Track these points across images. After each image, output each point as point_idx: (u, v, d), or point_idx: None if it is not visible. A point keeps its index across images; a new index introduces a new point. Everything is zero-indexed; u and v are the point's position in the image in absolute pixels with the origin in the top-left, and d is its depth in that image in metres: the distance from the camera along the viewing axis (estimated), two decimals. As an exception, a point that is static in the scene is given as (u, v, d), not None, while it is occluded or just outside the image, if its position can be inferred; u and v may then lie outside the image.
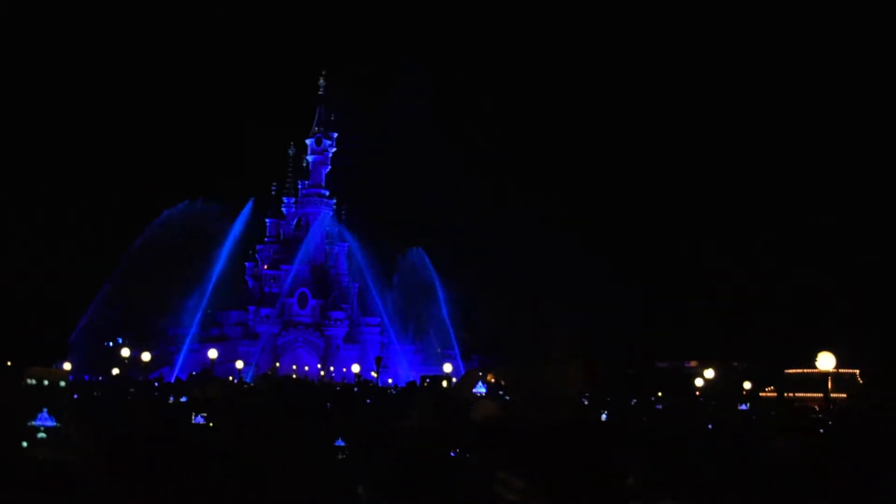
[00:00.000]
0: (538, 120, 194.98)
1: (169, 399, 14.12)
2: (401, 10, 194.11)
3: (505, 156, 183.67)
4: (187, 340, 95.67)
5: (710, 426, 14.74)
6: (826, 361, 26.67)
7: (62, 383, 2.62)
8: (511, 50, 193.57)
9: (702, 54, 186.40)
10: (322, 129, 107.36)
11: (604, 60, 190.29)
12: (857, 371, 64.03)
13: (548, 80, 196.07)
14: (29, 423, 2.58)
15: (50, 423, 2.57)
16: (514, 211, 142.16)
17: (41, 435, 2.55)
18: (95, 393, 21.65)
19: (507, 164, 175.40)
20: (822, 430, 12.56)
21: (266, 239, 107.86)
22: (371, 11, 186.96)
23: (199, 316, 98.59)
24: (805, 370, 59.13)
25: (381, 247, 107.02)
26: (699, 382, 60.35)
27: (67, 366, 54.45)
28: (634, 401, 33.74)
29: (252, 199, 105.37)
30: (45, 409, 2.58)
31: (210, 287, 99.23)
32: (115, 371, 62.62)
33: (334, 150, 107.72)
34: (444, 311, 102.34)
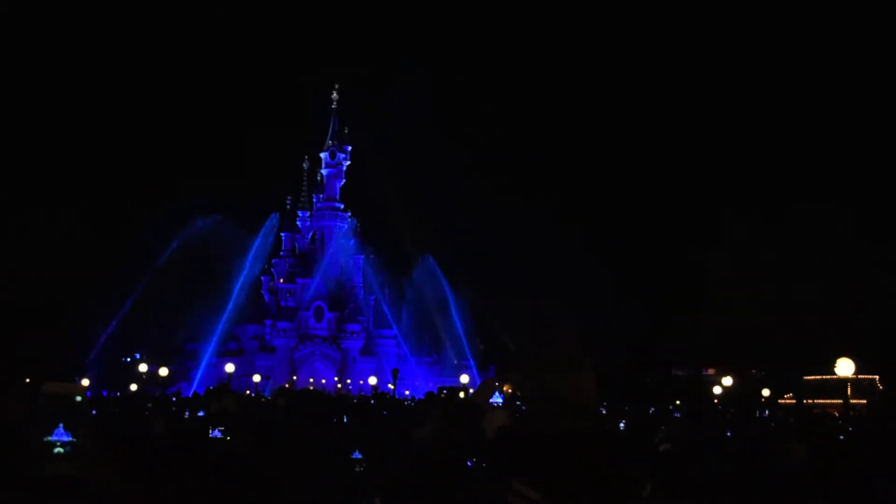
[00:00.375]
0: (538, 120, 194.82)
1: (185, 413, 14.16)
2: (401, 10, 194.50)
3: (505, 156, 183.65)
4: (207, 355, 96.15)
5: (728, 433, 14.67)
6: (845, 367, 26.45)
7: (79, 398, 2.63)
8: (511, 50, 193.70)
9: (703, 54, 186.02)
10: (336, 142, 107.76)
11: (603, 60, 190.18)
12: (877, 377, 63.64)
13: (547, 80, 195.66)
14: (45, 439, 2.59)
15: (66, 438, 2.58)
16: (517, 212, 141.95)
17: (58, 450, 2.56)
18: (114, 408, 21.73)
19: (507, 164, 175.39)
20: (841, 437, 12.48)
21: (282, 253, 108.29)
22: (371, 11, 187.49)
23: (219, 331, 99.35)
24: (824, 377, 58.83)
25: (394, 258, 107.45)
26: (717, 390, 60.05)
27: (86, 381, 54.82)
28: (652, 409, 33.60)
29: (275, 214, 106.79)
30: (61, 425, 2.59)
31: (231, 302, 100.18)
32: (134, 386, 62.96)
33: (348, 163, 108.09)
34: (457, 321, 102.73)
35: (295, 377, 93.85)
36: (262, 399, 26.21)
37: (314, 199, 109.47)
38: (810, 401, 56.07)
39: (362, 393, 67.90)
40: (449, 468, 4.99)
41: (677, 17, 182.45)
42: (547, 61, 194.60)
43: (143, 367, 63.44)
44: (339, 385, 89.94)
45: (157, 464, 5.03)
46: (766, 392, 65.51)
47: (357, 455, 6.11)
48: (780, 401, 63.37)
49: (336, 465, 5.04)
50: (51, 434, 2.76)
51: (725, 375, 63.31)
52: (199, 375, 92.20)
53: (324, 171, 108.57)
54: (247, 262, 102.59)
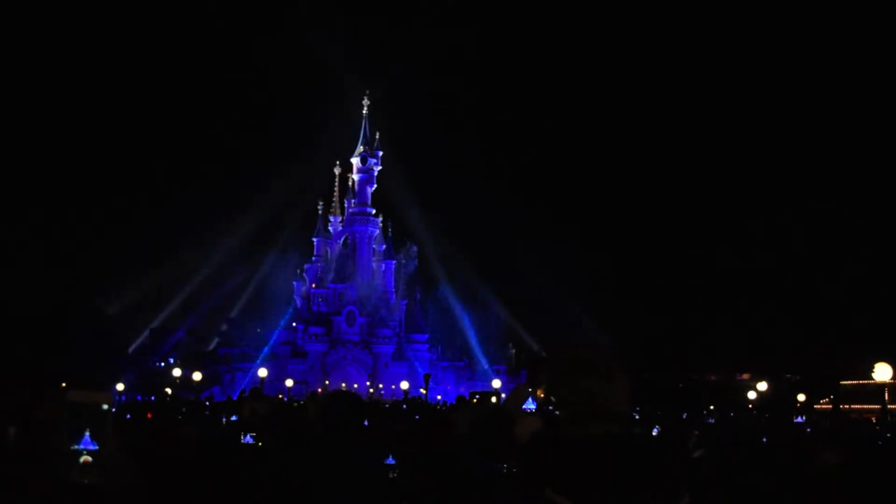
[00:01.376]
0: (565, 134, 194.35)
1: (219, 418, 14.20)
2: (400, 10, 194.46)
3: (514, 161, 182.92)
4: (259, 360, 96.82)
5: (763, 439, 14.48)
6: (883, 372, 26.10)
7: (104, 406, 2.60)
8: (508, 53, 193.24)
9: (702, 59, 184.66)
10: (367, 147, 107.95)
11: (603, 61, 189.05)
12: (916, 382, 62.58)
13: (547, 81, 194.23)
14: (72, 447, 2.57)
15: (92, 447, 2.56)
16: (545, 218, 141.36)
17: (84, 458, 2.54)
18: (147, 413, 21.88)
19: (517, 170, 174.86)
20: (878, 443, 12.27)
21: (313, 258, 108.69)
22: (371, 11, 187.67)
23: (275, 337, 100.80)
24: (861, 381, 57.99)
25: (425, 263, 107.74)
26: (752, 395, 59.41)
27: (121, 386, 55.33)
28: (685, 414, 33.30)
29: (319, 220, 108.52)
30: (87, 433, 2.57)
31: (289, 314, 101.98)
32: (168, 391, 63.47)
33: (380, 168, 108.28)
34: (470, 330, 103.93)
35: (327, 382, 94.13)
36: (294, 403, 26.28)
37: (346, 205, 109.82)
38: (847, 406, 55.27)
39: (394, 397, 68.03)
40: (480, 474, 4.94)
41: (680, 17, 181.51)
42: (545, 63, 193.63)
43: (176, 372, 63.85)
44: (371, 390, 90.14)
45: (186, 470, 5.01)
46: (801, 397, 64.74)
47: (390, 461, 6.05)
48: (815, 406, 62.55)
49: (369, 471, 4.99)
50: (78, 443, 2.74)
51: (760, 380, 62.66)
52: (236, 381, 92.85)
53: (355, 176, 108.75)
54: (296, 287, 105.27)
